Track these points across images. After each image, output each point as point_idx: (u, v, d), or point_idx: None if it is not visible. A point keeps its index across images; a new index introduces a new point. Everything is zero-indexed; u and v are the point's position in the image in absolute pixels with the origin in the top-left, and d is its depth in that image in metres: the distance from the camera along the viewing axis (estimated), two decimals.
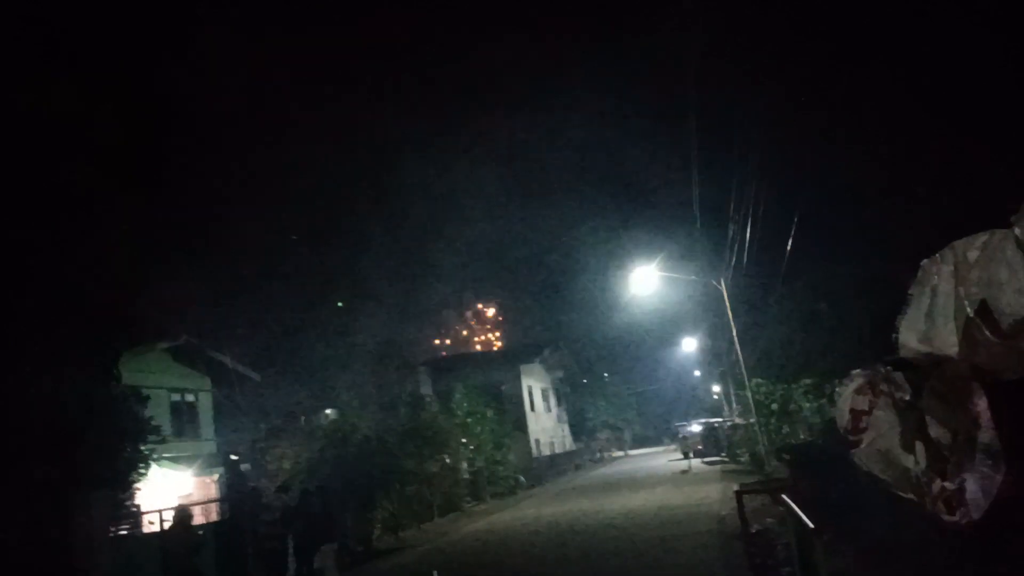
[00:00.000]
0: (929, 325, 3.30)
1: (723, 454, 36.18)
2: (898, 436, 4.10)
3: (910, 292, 3.59)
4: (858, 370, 5.39)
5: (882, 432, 4.29)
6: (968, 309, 2.86)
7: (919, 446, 3.85)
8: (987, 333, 2.84)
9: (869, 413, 4.97)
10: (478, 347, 73.82)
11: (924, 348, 3.50)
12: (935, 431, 3.67)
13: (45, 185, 14.83)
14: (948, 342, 3.20)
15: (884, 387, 4.57)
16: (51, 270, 14.67)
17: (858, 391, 5.09)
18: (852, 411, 5.20)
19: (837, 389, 5.53)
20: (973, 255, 2.90)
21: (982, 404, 3.14)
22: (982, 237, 2.97)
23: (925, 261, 3.46)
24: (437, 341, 70.44)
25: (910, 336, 3.76)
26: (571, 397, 53.52)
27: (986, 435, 3.18)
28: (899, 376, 4.37)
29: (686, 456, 37.96)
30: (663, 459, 45.38)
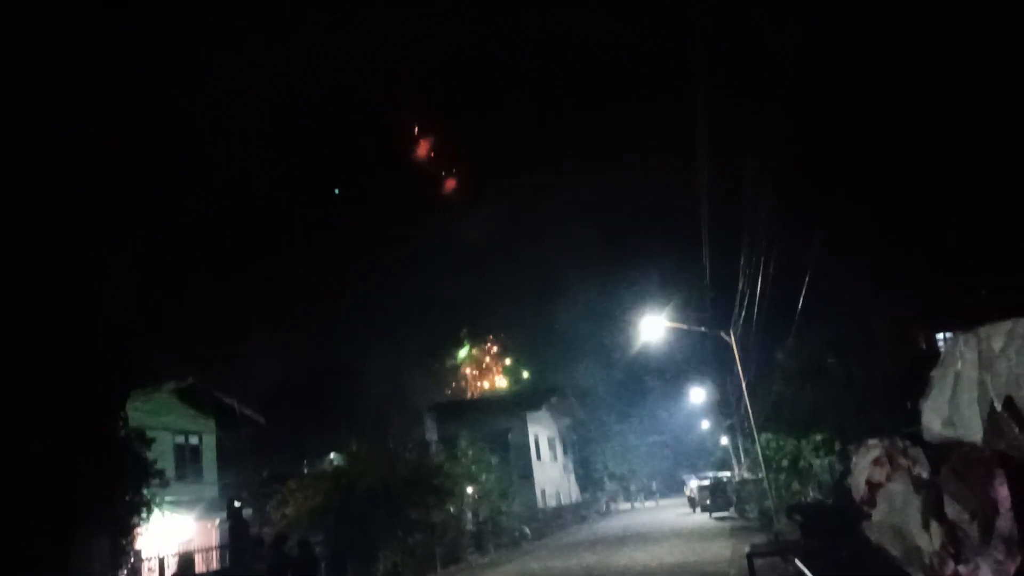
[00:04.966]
0: (953, 410, 3.25)
1: (731, 509, 35.56)
2: (913, 512, 4.02)
3: (932, 374, 3.56)
4: (875, 440, 5.32)
5: (896, 507, 4.21)
6: (995, 402, 2.83)
7: (935, 525, 3.77)
8: (1015, 428, 2.80)
9: (885, 486, 4.89)
10: (486, 384, 73.17)
11: (948, 432, 3.45)
12: (952, 511, 3.60)
13: (55, 225, 15.00)
14: (973, 428, 3.15)
15: (902, 461, 4.50)
16: (61, 308, 14.74)
17: (875, 462, 5.01)
18: (868, 483, 5.11)
19: (854, 458, 5.44)
20: (998, 343, 2.87)
21: (1003, 490, 3.08)
22: (1006, 325, 2.95)
23: (947, 343, 3.42)
24: (446, 390, 69.87)
25: (934, 419, 3.71)
26: (578, 446, 52.87)
27: (1005, 522, 3.10)
28: (918, 451, 4.30)
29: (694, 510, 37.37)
30: (671, 513, 44.63)
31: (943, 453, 3.76)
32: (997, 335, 2.95)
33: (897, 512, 4.45)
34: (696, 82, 10.97)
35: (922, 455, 4.27)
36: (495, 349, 77.26)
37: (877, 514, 4.81)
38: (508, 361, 75.00)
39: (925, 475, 4.18)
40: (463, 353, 73.79)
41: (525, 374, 70.66)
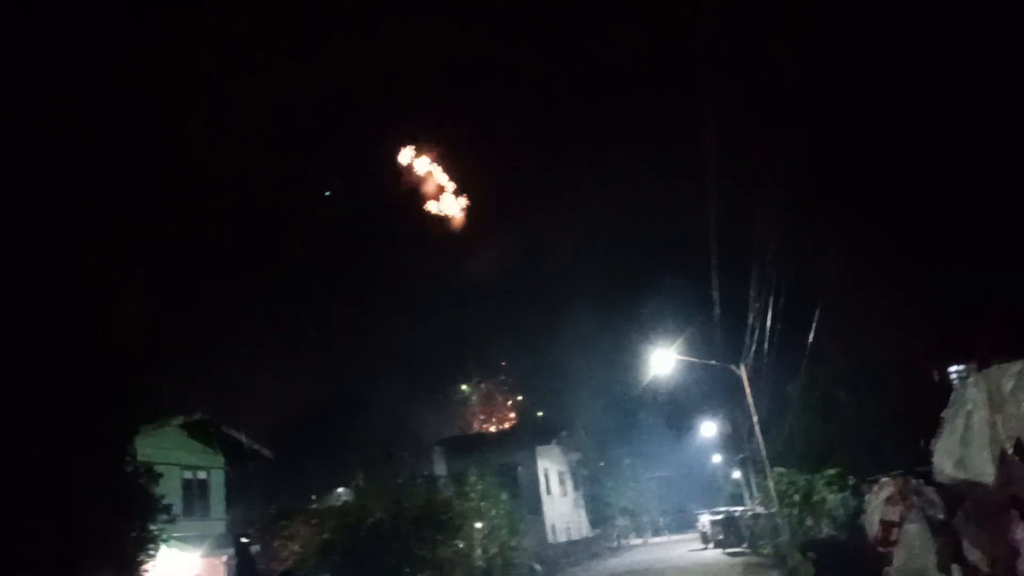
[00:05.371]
0: (964, 452, 3.21)
1: (744, 545, 35.01)
2: (932, 557, 3.96)
3: (943, 416, 3.52)
4: (887, 478, 5.25)
5: (915, 551, 4.15)
6: (1006, 445, 2.78)
7: (956, 569, 3.70)
8: None
9: (899, 525, 4.81)
10: (494, 418, 72.61)
11: (960, 475, 3.41)
12: (972, 556, 3.54)
13: (67, 256, 15.12)
14: (984, 470, 3.11)
15: (916, 500, 4.44)
16: (72, 339, 14.79)
17: (888, 501, 4.95)
18: (882, 521, 5.04)
19: (867, 496, 5.37)
20: (1007, 385, 2.84)
21: (1020, 533, 3.02)
22: (1015, 367, 2.91)
23: (957, 384, 3.39)
24: (455, 424, 69.38)
25: (945, 461, 3.67)
26: (588, 481, 52.26)
27: None
28: (931, 491, 4.25)
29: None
30: (683, 548, 43.94)
31: (956, 493, 3.70)
32: (1006, 377, 2.91)
33: (916, 557, 4.39)
34: (702, 99, 11.05)
35: (934, 494, 4.21)
36: (504, 383, 76.83)
37: (897, 559, 4.75)
38: (520, 397, 74.54)
39: (940, 516, 4.12)
40: (471, 387, 73.42)
41: (540, 413, 70.12)
